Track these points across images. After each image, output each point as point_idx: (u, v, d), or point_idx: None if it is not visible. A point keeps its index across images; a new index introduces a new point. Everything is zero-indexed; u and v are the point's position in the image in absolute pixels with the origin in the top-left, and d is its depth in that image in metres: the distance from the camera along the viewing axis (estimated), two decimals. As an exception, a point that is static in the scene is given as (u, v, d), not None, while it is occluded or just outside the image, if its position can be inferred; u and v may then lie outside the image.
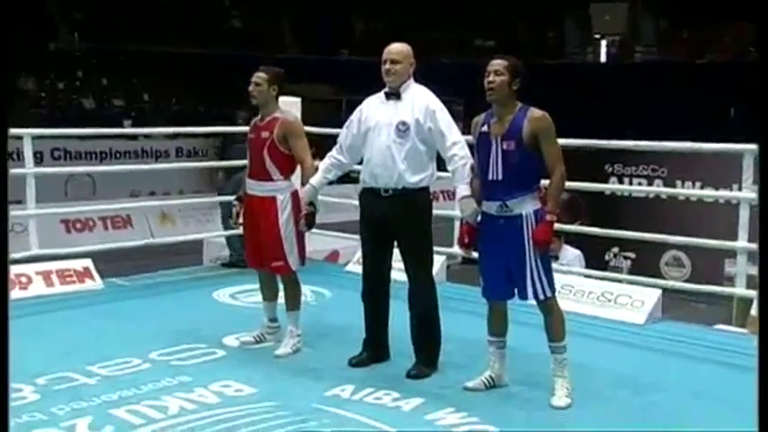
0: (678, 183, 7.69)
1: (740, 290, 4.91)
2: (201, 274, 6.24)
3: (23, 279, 5.29)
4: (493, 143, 3.50)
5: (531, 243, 3.46)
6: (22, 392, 3.53)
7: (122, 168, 13.25)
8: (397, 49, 3.89)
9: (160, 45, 19.72)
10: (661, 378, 3.93)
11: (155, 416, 3.32)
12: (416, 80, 3.94)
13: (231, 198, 4.67)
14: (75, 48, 19.43)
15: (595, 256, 7.04)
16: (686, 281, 6.90)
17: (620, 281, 5.51)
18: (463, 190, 3.71)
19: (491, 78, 3.50)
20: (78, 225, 11.61)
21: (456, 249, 4.74)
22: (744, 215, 4.79)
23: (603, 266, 7.54)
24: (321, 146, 5.14)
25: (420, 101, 3.85)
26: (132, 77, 18.84)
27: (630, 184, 7.97)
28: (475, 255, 3.73)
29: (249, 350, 4.26)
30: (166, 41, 19.82)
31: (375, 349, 4.03)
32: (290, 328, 4.23)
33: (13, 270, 5.30)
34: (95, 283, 5.53)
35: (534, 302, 3.56)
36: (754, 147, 3.98)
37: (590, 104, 16.26)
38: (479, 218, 3.63)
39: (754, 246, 4.05)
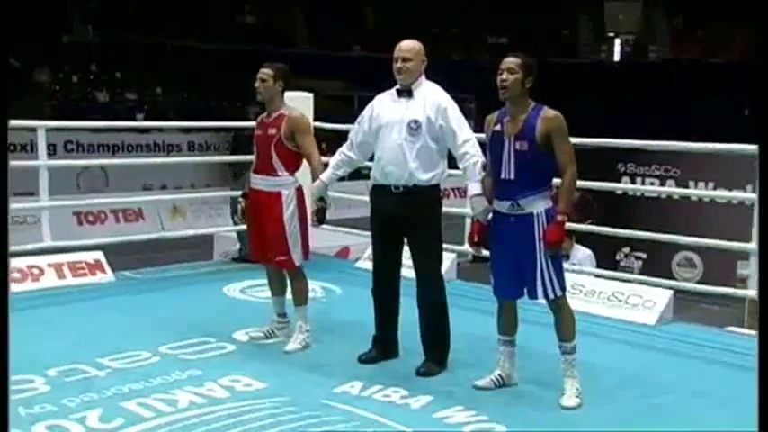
0: (691, 183, 7.64)
1: (752, 291, 4.87)
2: (212, 268, 6.25)
3: (36, 271, 5.32)
4: (506, 142, 3.49)
5: (541, 242, 3.46)
6: (33, 383, 3.56)
7: (135, 162, 13.33)
8: (408, 46, 3.88)
9: (174, 39, 19.80)
10: (671, 379, 3.91)
11: (165, 409, 3.33)
12: (428, 77, 3.94)
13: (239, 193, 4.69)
14: (89, 41, 19.53)
15: (606, 256, 7.01)
16: (698, 282, 6.86)
17: (631, 281, 5.48)
18: (474, 188, 3.71)
19: (504, 76, 3.48)
20: (90, 217, 11.68)
21: (466, 247, 4.73)
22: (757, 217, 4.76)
23: (614, 266, 7.50)
24: (332, 141, 5.15)
25: (432, 99, 3.84)
26: (146, 71, 18.91)
27: (643, 183, 7.92)
28: (485, 253, 3.72)
29: (259, 345, 4.27)
30: (180, 36, 19.90)
31: (384, 346, 4.03)
32: (298, 324, 4.24)
33: (26, 262, 5.34)
34: (107, 275, 5.56)
35: (544, 301, 3.56)
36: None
37: (603, 103, 16.20)
38: (490, 216, 3.62)
39: None
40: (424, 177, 3.83)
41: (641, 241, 7.01)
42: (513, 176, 3.47)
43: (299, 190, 4.22)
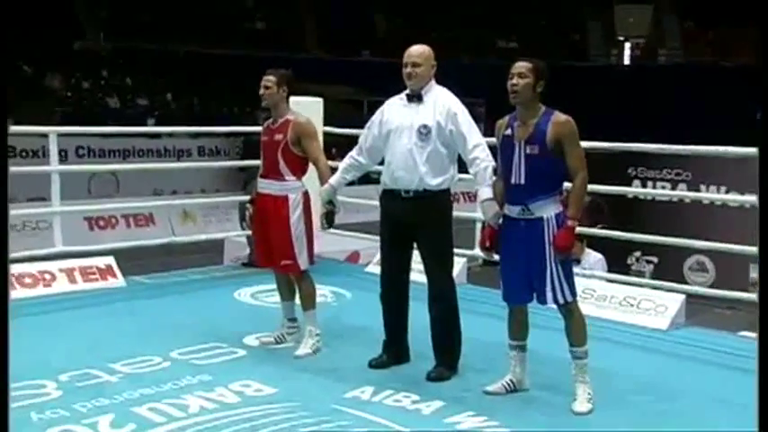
0: (702, 187, 7.59)
1: (765, 296, 4.84)
2: (222, 273, 6.27)
3: (47, 276, 5.34)
4: (516, 147, 3.48)
5: (551, 247, 3.44)
6: (45, 389, 3.57)
7: (145, 167, 13.37)
8: (417, 51, 3.88)
9: (184, 45, 19.90)
10: (683, 385, 3.89)
11: (176, 414, 3.34)
12: (438, 81, 3.93)
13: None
14: (100, 48, 19.66)
15: (618, 260, 6.97)
16: (710, 286, 6.81)
17: (642, 285, 5.45)
18: (485, 192, 3.69)
19: (515, 81, 3.47)
20: (101, 223, 11.73)
21: (477, 251, 4.72)
22: (770, 220, 4.72)
23: (626, 271, 7.46)
24: (342, 146, 5.15)
25: (441, 103, 3.83)
26: (156, 77, 19.01)
27: (654, 187, 7.88)
28: (496, 257, 3.71)
29: (269, 350, 4.27)
30: (190, 42, 20.00)
31: (395, 351, 4.02)
32: (308, 328, 4.24)
33: (37, 267, 5.36)
34: (118, 280, 5.57)
35: (554, 306, 3.54)
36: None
37: (614, 107, 16.14)
38: (501, 220, 3.61)
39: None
40: (434, 182, 3.82)
41: (653, 245, 6.96)
42: (523, 181, 3.46)
43: (306, 194, 4.24)
